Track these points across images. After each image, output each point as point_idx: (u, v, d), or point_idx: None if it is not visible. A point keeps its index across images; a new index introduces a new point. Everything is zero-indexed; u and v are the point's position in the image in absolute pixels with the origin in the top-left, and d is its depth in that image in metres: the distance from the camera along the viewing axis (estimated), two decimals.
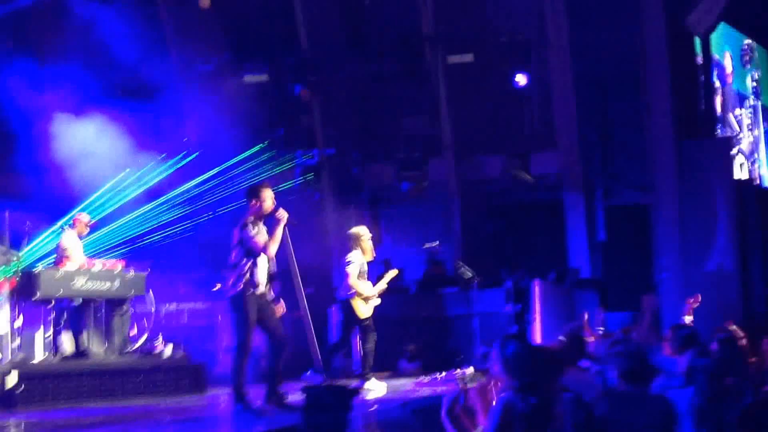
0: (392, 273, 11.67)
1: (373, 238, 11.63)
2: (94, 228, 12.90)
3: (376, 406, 9.56)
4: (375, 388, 10.98)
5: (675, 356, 6.83)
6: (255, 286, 9.20)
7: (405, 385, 11.69)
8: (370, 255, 11.42)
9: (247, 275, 9.17)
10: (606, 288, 15.27)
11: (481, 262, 15.92)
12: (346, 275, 11.24)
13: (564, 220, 16.76)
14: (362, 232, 11.52)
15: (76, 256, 11.94)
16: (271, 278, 9.38)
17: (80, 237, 12.25)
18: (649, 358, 5.60)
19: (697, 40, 15.74)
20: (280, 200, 9.61)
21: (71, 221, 12.36)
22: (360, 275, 11.25)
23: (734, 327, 8.84)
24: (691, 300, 9.76)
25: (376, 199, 17.08)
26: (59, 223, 12.72)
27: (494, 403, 5.11)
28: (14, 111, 15.36)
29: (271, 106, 16.99)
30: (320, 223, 16.07)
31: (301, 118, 17.32)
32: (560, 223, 16.73)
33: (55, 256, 12.17)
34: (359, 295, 11.16)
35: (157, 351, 12.03)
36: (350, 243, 11.47)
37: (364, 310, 11.22)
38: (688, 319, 9.46)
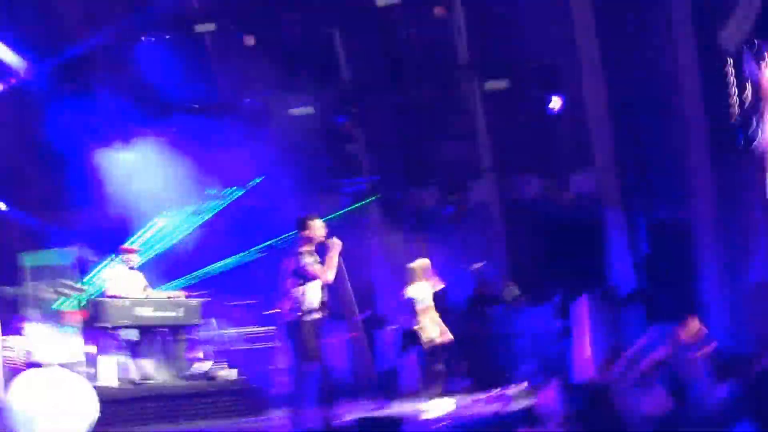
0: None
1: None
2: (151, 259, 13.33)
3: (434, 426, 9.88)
4: (440, 407, 11.33)
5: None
6: (310, 312, 9.64)
7: (459, 403, 12.03)
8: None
9: (302, 302, 9.61)
10: (651, 302, 15.42)
11: (525, 280, 16.28)
12: (412, 309, 11.76)
13: (603, 237, 17.01)
14: (423, 265, 12.09)
15: (120, 286, 12.25)
16: (323, 305, 9.80)
17: (130, 267, 12.57)
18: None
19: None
20: (332, 228, 10.08)
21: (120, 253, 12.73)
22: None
23: None
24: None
25: (421, 222, 17.44)
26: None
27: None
28: (69, 144, 15.92)
29: (317, 138, 17.45)
30: (368, 249, 16.50)
31: (345, 147, 17.76)
32: (600, 240, 16.98)
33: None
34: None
35: (218, 375, 12.44)
36: (411, 276, 12.02)
37: (432, 332, 11.74)
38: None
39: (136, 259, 12.73)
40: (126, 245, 12.96)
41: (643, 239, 17.04)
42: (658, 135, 16.68)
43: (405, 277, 12.07)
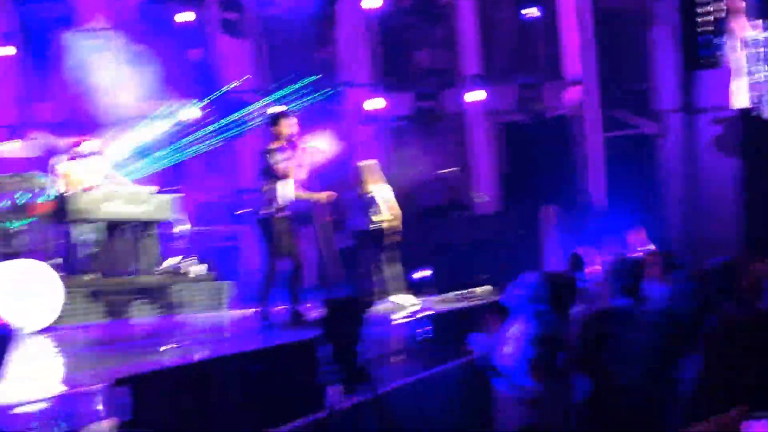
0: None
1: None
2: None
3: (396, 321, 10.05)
4: (404, 302, 11.49)
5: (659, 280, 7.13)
6: (279, 208, 9.65)
7: (425, 301, 12.23)
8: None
9: (273, 199, 9.61)
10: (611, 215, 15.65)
11: (496, 189, 16.43)
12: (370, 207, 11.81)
13: (576, 149, 17.16)
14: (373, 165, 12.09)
15: (73, 180, 11.90)
16: (294, 200, 9.80)
17: (83, 156, 12.17)
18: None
19: None
20: (304, 127, 10.10)
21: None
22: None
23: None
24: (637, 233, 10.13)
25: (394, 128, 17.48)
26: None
27: None
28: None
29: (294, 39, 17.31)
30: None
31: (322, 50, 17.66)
32: (572, 152, 17.13)
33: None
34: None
35: (188, 270, 12.55)
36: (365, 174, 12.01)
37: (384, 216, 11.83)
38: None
39: (87, 147, 12.32)
40: (82, 137, 12.68)
41: (610, 152, 17.20)
42: (632, 49, 16.76)
43: (357, 177, 11.99)
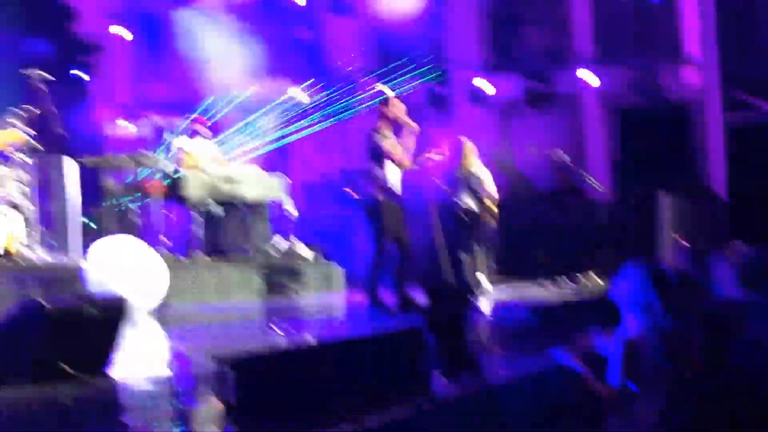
0: None
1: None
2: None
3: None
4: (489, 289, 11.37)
5: None
6: (387, 193, 9.61)
7: (531, 290, 12.04)
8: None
9: (380, 182, 9.58)
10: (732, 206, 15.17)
11: (606, 174, 16.08)
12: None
13: (694, 136, 16.66)
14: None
15: (193, 158, 12.20)
16: (402, 185, 9.72)
17: (201, 137, 12.48)
18: None
19: None
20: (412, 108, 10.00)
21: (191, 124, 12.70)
22: None
23: None
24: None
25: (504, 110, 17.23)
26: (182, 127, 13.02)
27: None
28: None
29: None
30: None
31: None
32: (690, 139, 16.64)
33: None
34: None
35: (295, 252, 12.61)
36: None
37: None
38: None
39: (206, 131, 12.64)
40: (196, 116, 12.88)
41: (737, 140, 16.63)
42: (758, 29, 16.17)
43: (459, 153, 11.82)
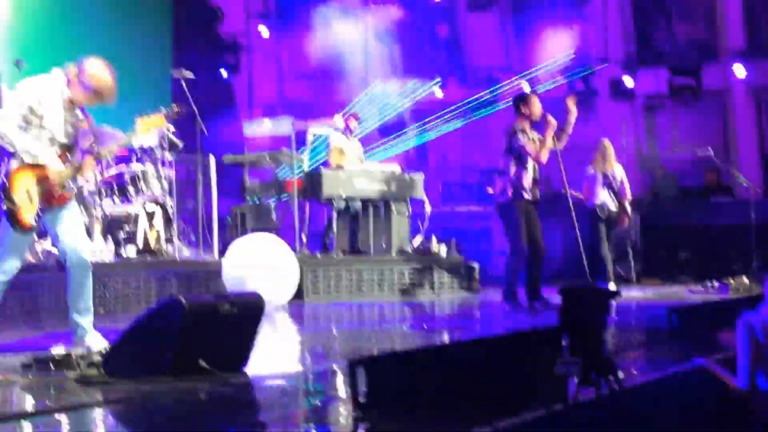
0: None
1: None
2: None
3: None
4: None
5: None
6: (523, 192, 9.46)
7: (676, 292, 11.73)
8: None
9: (516, 182, 9.43)
10: None
11: (758, 172, 15.51)
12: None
13: None
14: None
15: (341, 156, 12.25)
16: (537, 184, 9.60)
17: (350, 135, 12.55)
18: None
19: None
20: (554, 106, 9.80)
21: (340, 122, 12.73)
22: None
23: None
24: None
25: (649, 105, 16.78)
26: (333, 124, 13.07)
27: None
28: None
29: None
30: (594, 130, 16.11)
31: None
32: None
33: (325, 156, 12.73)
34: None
35: (432, 250, 12.56)
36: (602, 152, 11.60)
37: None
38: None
39: (355, 127, 12.71)
40: (347, 112, 12.95)
41: None
42: None
43: (600, 153, 11.57)
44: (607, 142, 11.66)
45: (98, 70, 6.22)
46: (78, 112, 6.33)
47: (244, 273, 9.68)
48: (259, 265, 9.85)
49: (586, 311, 4.68)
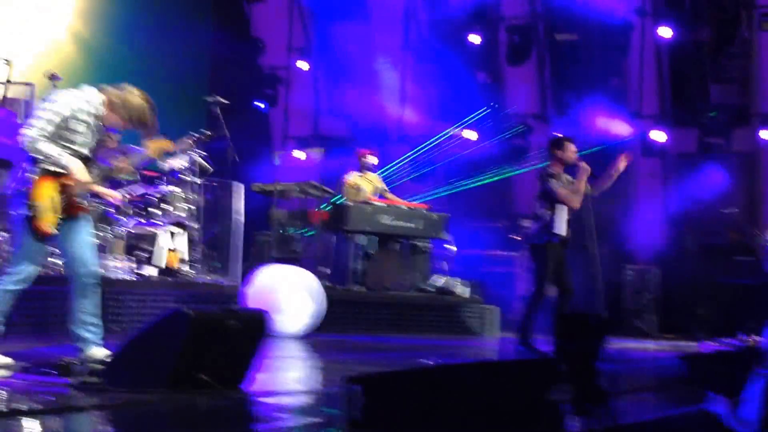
0: None
1: None
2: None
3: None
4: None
5: None
6: (556, 236, 9.48)
7: (689, 345, 11.69)
8: None
9: (550, 225, 9.43)
10: None
11: None
12: None
13: None
14: None
15: (358, 193, 12.33)
16: (569, 226, 9.52)
17: (366, 169, 12.62)
18: None
19: None
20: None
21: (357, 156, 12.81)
22: None
23: None
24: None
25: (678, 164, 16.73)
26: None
27: None
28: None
29: None
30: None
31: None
32: None
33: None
34: None
35: (453, 291, 12.59)
36: None
37: None
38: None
39: (372, 161, 12.79)
40: (364, 150, 13.02)
41: None
42: None
43: None
44: None
45: (138, 104, 6.30)
46: (109, 132, 6.47)
47: (266, 302, 9.71)
48: (283, 296, 9.92)
49: (580, 339, 4.72)
